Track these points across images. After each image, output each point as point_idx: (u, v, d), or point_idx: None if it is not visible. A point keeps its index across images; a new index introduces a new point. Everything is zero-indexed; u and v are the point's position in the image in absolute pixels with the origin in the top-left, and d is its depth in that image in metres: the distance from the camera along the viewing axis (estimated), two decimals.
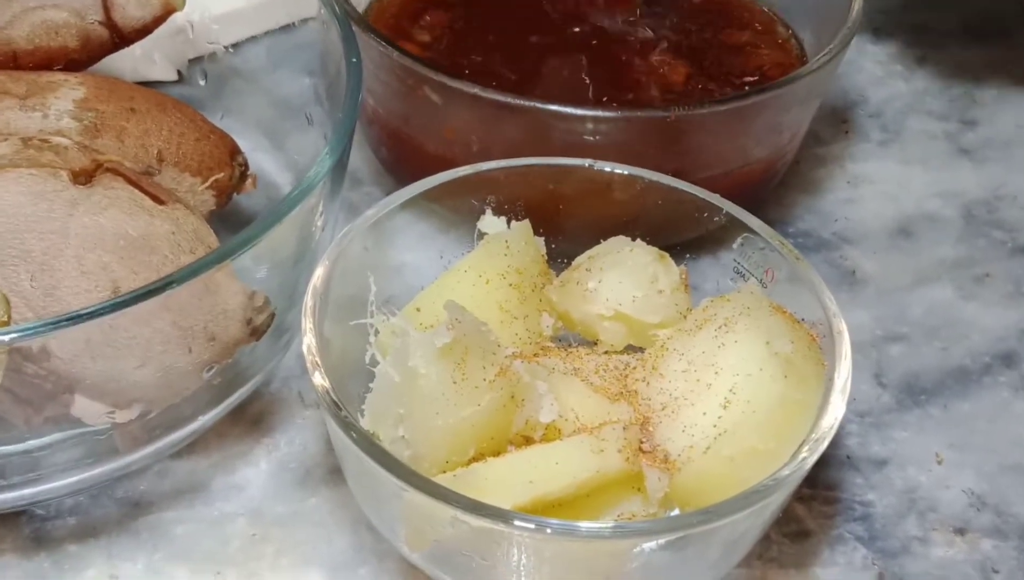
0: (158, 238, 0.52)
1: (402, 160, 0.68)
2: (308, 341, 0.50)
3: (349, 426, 0.47)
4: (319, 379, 0.49)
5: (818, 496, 0.57)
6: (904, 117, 0.78)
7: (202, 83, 0.71)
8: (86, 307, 0.46)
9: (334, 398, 0.48)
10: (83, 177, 0.52)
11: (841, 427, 0.57)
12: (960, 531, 0.56)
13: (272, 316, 0.53)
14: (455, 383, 0.48)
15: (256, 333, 0.53)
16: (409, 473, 0.46)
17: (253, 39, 0.75)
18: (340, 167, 0.55)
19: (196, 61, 0.72)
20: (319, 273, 0.52)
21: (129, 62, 0.71)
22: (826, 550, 0.55)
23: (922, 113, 0.78)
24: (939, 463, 0.58)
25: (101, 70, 0.64)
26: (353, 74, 0.57)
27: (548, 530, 0.45)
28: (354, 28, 0.60)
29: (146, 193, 0.53)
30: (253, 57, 0.73)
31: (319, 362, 0.49)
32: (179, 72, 0.72)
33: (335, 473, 0.56)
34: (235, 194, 0.62)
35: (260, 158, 0.67)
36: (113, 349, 0.49)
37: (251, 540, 0.54)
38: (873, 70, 0.81)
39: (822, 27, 0.68)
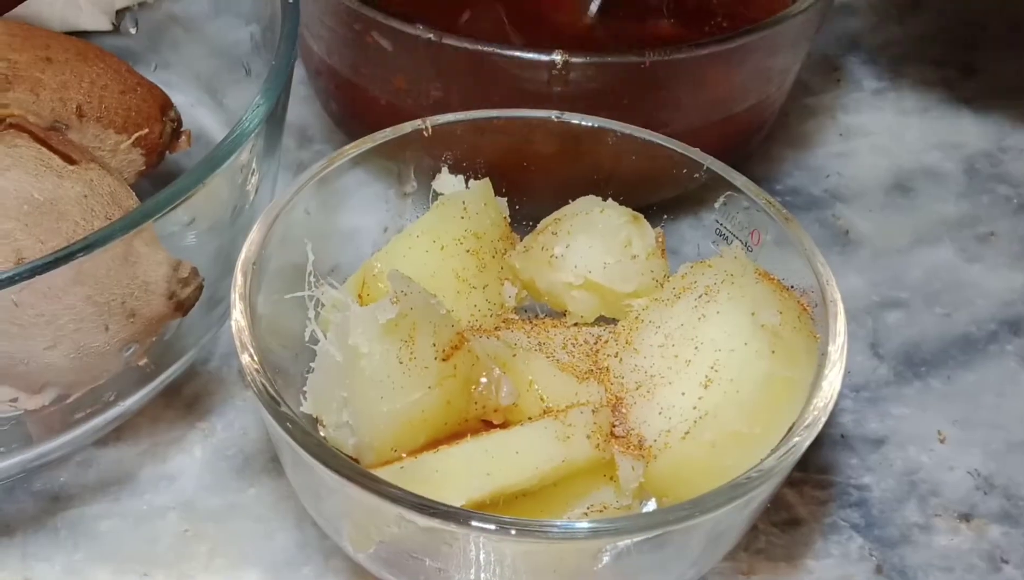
0: (68, 202, 0.48)
1: (353, 114, 0.65)
2: (236, 318, 0.45)
3: (280, 414, 0.43)
4: (248, 361, 0.44)
5: (810, 480, 0.54)
6: (900, 64, 0.76)
7: (133, 31, 0.66)
8: None
9: (263, 382, 0.44)
10: None
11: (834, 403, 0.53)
12: (965, 517, 0.53)
13: (200, 288, 0.49)
14: (401, 363, 0.44)
15: (182, 308, 0.49)
16: (347, 466, 0.42)
17: None
18: (276, 117, 0.52)
19: (128, 9, 0.67)
20: (252, 240, 0.48)
21: (57, 11, 0.66)
22: (819, 540, 0.52)
23: (920, 59, 0.76)
24: (942, 442, 0.56)
25: (23, 21, 0.59)
26: (290, 16, 0.53)
27: (512, 531, 0.40)
28: None
29: (55, 151, 0.49)
30: (193, 4, 0.69)
31: (248, 343, 0.45)
32: (113, 23, 0.67)
33: (278, 461, 0.52)
34: (168, 153, 0.58)
35: (200, 114, 0.64)
36: (19, 327, 0.45)
37: (183, 537, 0.51)
38: (867, 14, 0.79)
39: None
